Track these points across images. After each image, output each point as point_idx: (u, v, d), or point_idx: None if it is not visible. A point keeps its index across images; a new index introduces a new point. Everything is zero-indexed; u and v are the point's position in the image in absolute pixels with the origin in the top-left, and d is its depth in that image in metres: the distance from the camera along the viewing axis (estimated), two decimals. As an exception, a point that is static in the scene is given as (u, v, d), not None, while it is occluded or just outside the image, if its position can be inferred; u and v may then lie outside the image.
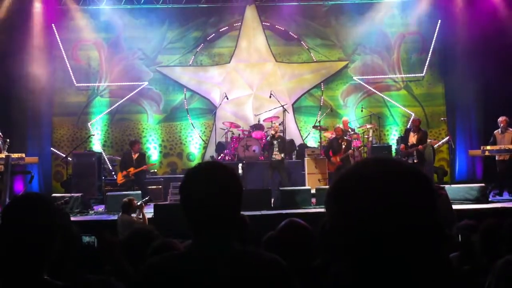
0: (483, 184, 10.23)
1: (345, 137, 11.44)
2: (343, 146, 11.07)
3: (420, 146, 11.26)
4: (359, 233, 1.03)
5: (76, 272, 2.52)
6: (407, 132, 11.88)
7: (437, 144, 11.88)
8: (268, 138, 11.80)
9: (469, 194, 9.72)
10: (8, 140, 10.48)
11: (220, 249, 1.72)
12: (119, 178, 11.95)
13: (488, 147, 10.74)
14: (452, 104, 14.77)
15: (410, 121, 11.88)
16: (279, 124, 12.42)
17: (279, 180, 11.47)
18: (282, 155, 11.37)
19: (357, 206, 1.03)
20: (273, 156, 11.42)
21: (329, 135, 13.31)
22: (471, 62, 13.56)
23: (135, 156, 11.88)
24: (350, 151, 11.21)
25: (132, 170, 11.72)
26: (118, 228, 6.77)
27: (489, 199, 9.98)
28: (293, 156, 13.34)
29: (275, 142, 11.42)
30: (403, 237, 1.01)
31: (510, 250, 3.14)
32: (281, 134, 11.92)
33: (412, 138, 11.47)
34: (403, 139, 11.92)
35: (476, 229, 3.74)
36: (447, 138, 13.30)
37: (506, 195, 10.72)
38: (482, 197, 9.69)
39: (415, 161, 11.08)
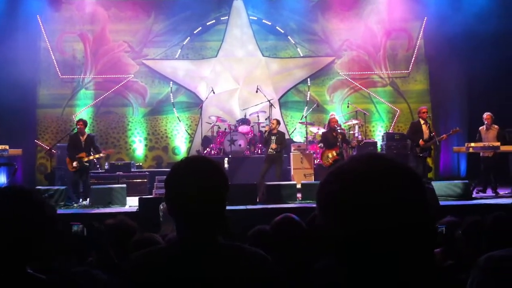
0: (466, 181, 10.30)
1: (338, 130, 10.90)
2: (339, 139, 10.73)
3: (444, 136, 10.70)
4: (349, 230, 1.02)
5: (60, 265, 2.50)
6: (416, 125, 10.83)
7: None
8: (265, 133, 11.65)
9: (452, 190, 9.76)
10: None
11: (204, 243, 1.71)
12: (72, 165, 10.62)
13: (472, 144, 10.75)
14: (437, 100, 14.85)
15: (418, 112, 10.96)
16: (271, 119, 12.06)
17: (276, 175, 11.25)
18: (279, 147, 11.19)
19: (348, 202, 1.03)
20: (270, 150, 11.26)
21: (315, 130, 13.31)
22: (456, 59, 13.66)
23: (83, 138, 10.76)
24: (353, 142, 11.10)
25: (84, 155, 10.52)
26: (162, 219, 6.60)
27: (473, 196, 10.06)
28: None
29: (272, 137, 11.30)
30: (395, 235, 1.00)
31: (492, 246, 3.16)
32: (279, 129, 11.64)
33: (427, 130, 10.61)
34: (414, 133, 10.76)
35: (459, 225, 3.77)
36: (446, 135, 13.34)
37: (489, 192, 10.79)
38: (465, 194, 9.75)
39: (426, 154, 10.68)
